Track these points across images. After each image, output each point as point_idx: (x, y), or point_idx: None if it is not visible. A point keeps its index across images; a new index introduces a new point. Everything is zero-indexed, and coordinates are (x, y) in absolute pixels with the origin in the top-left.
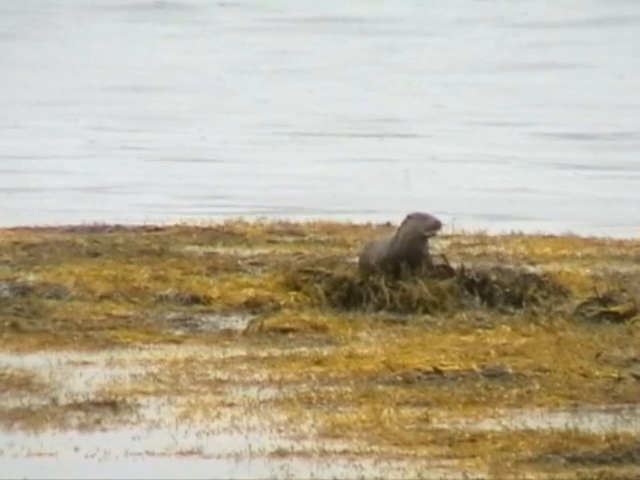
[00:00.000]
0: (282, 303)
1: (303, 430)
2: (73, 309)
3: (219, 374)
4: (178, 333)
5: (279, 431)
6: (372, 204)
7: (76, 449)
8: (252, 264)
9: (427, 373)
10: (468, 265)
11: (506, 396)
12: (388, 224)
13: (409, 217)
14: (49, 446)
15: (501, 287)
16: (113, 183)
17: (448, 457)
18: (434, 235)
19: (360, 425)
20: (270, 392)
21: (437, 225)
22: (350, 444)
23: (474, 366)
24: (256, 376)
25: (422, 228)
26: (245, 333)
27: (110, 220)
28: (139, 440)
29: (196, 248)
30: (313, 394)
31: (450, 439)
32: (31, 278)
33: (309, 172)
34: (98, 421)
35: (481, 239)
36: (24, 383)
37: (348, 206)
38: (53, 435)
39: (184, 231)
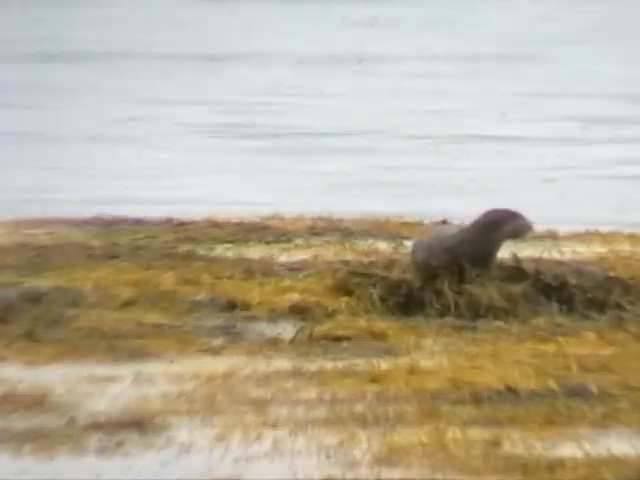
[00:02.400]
0: (333, 309)
1: (356, 455)
2: (97, 317)
3: (261, 391)
4: (216, 343)
5: (328, 456)
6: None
7: (97, 476)
8: (292, 268)
9: (499, 391)
10: (543, 266)
11: (589, 416)
12: (444, 222)
13: (484, 213)
14: (66, 473)
15: (581, 291)
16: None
17: None
18: (522, 239)
19: (421, 449)
20: (319, 412)
21: (528, 228)
22: (409, 472)
23: (552, 383)
24: (303, 394)
25: (509, 230)
26: (292, 342)
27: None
28: (168, 466)
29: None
30: (368, 414)
31: (524, 466)
32: (43, 284)
33: None
34: (121, 444)
35: (552, 236)
36: (38, 400)
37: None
38: (70, 460)
39: (214, 225)
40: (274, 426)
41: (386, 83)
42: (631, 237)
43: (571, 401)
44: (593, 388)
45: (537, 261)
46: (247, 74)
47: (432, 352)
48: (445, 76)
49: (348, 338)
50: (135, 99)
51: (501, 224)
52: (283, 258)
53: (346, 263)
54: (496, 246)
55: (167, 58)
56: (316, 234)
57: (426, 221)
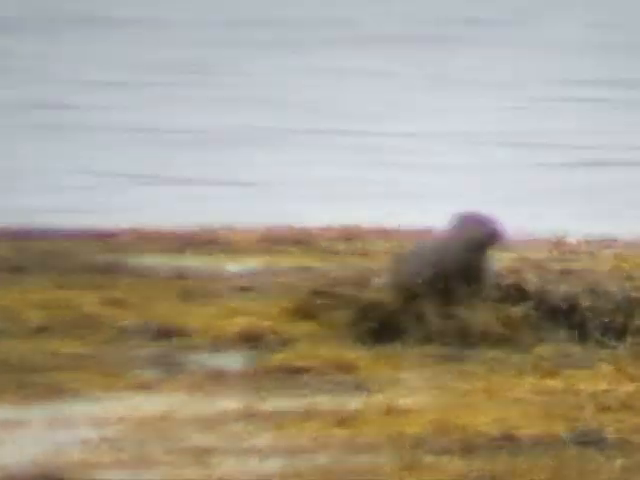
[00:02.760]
0: (290, 335)
1: None
2: (3, 347)
3: (205, 438)
4: (148, 377)
5: None
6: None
7: None
8: (243, 286)
9: (495, 438)
10: (549, 285)
11: (606, 470)
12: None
13: (461, 217)
14: None
15: (596, 315)
16: None
17: None
18: (496, 245)
19: None
20: (275, 464)
21: (500, 233)
22: None
23: (561, 428)
24: (255, 441)
25: (480, 235)
26: (241, 375)
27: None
28: None
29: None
30: (335, 467)
31: None
32: None
33: None
34: None
35: (559, 248)
36: None
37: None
38: None
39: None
40: None
41: None
42: None
43: (583, 451)
44: (610, 434)
45: (542, 278)
46: None
47: (412, 388)
48: None
49: (309, 370)
50: None
51: (484, 229)
52: (230, 275)
53: (307, 280)
54: (486, 257)
55: None
56: (271, 246)
57: (407, 228)
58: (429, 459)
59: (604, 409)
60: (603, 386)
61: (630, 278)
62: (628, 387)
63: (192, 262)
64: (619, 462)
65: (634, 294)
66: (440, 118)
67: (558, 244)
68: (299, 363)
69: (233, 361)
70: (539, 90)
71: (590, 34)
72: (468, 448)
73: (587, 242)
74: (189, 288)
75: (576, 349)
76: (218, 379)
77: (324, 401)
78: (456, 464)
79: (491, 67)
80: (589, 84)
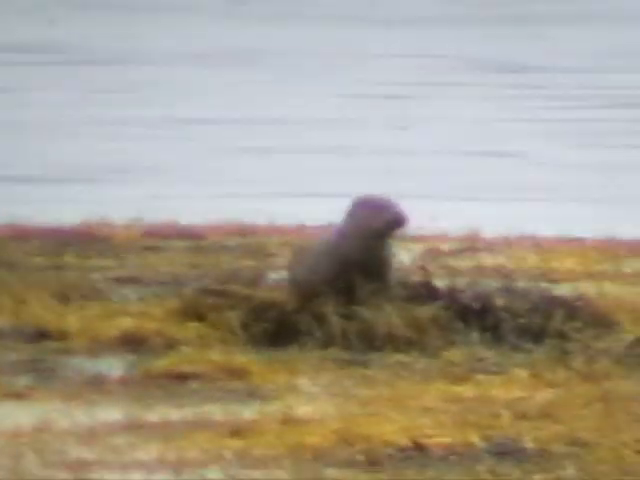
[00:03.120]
0: (177, 339)
1: None
2: None
3: (84, 451)
4: (21, 384)
5: None
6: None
7: None
8: (125, 285)
9: (403, 449)
10: (461, 283)
11: None
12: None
13: (356, 204)
14: None
15: (512, 316)
16: None
17: None
18: (396, 233)
19: None
20: (162, 478)
21: (401, 219)
22: None
23: (475, 437)
24: (140, 454)
25: (378, 222)
26: (123, 381)
27: None
28: None
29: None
30: None
31: None
32: None
33: None
34: None
35: (471, 242)
36: None
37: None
38: None
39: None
40: None
41: None
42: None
43: (499, 463)
44: (528, 444)
45: (453, 275)
46: None
47: (311, 395)
48: None
49: (197, 377)
50: None
51: (381, 215)
52: (111, 274)
53: (196, 279)
54: (388, 247)
55: None
56: (156, 243)
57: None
58: (331, 473)
59: (521, 417)
60: (518, 393)
61: (549, 276)
62: (545, 394)
63: (71, 260)
64: (538, 477)
65: (553, 293)
66: None
67: (473, 239)
68: (186, 369)
69: (114, 367)
70: None
71: None
72: (374, 460)
73: (505, 238)
74: (67, 287)
75: (489, 353)
76: (98, 386)
77: (215, 410)
78: (361, 478)
79: None
80: None
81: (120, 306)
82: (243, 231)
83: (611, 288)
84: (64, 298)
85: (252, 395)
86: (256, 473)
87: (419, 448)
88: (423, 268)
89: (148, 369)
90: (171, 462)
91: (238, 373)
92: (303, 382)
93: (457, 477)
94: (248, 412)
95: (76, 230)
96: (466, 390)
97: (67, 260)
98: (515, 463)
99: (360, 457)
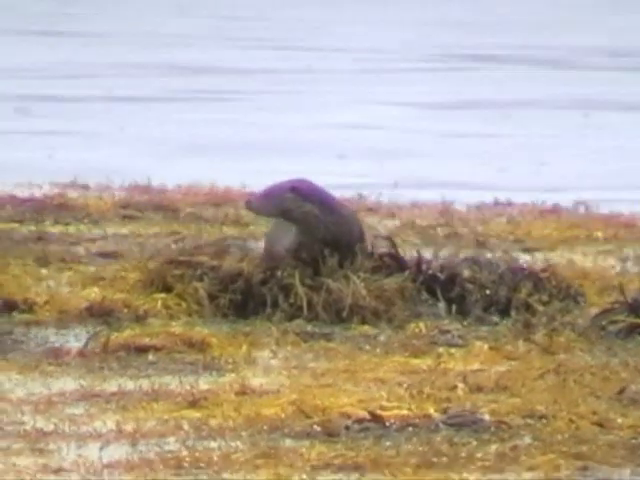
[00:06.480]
0: (144, 310)
1: None
2: None
3: (40, 421)
4: None
5: None
6: None
7: None
8: (99, 253)
9: (360, 420)
10: (427, 254)
11: (480, 455)
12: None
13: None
14: None
15: (478, 287)
16: None
17: None
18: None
19: None
20: (119, 450)
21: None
22: None
23: (431, 409)
24: (97, 425)
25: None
26: (82, 353)
27: None
28: None
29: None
30: (185, 453)
31: None
32: None
33: None
34: None
35: (445, 214)
36: None
37: None
38: None
39: None
40: (58, 471)
41: None
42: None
43: (456, 435)
44: (485, 416)
45: (419, 247)
46: None
47: (268, 367)
48: None
49: (158, 349)
50: None
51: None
52: (82, 244)
53: (168, 249)
54: (353, 220)
55: None
56: (127, 211)
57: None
58: (288, 444)
59: (477, 389)
60: (476, 365)
61: (517, 245)
62: (502, 366)
63: (44, 228)
64: (494, 447)
65: (518, 265)
66: None
67: (444, 210)
68: (147, 341)
69: (77, 338)
70: None
71: None
72: (330, 432)
73: (477, 208)
74: (37, 256)
75: (454, 325)
76: (56, 357)
77: (171, 382)
78: (318, 449)
79: None
80: None
81: (90, 276)
82: (219, 200)
83: (579, 257)
84: (34, 268)
85: (208, 367)
86: (213, 445)
87: (376, 419)
88: (389, 239)
89: (109, 341)
90: (128, 433)
91: (198, 345)
92: (262, 354)
93: (414, 448)
94: (205, 384)
95: (49, 197)
96: (424, 362)
97: (43, 228)
98: (472, 434)
99: (317, 428)
